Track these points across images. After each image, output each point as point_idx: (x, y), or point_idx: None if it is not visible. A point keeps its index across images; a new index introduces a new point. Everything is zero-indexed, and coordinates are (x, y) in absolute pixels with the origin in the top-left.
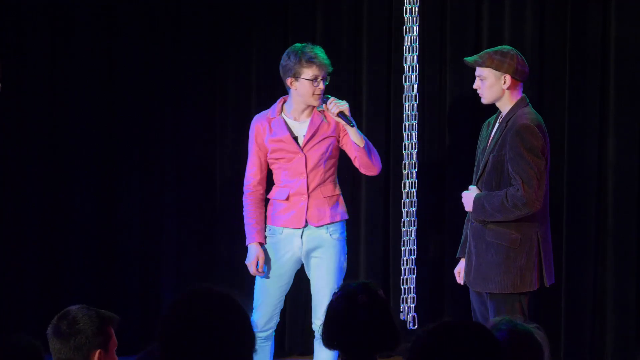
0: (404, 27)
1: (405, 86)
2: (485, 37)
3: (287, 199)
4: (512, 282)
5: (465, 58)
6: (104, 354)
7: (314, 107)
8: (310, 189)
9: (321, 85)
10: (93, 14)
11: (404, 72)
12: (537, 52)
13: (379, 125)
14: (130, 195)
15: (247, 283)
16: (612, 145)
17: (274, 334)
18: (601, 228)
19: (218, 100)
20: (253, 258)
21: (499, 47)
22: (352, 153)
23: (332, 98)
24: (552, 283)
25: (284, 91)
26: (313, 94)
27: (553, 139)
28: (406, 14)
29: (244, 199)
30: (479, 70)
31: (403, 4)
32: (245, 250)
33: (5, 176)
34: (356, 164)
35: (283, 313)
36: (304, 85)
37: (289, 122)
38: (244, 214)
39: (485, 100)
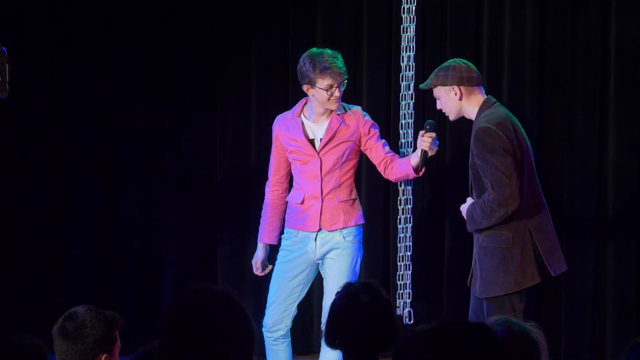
0: (402, 27)
1: (402, 85)
2: (485, 37)
3: (302, 202)
4: (514, 281)
5: (420, 85)
6: (109, 358)
7: (332, 110)
8: (324, 193)
9: (337, 93)
10: (92, 15)
11: (401, 72)
12: (537, 52)
13: (380, 125)
14: (130, 195)
15: (247, 282)
16: (612, 144)
17: (289, 336)
18: (601, 227)
19: (218, 99)
20: (256, 257)
21: (443, 64)
22: (377, 160)
23: (433, 134)
24: (564, 270)
25: (283, 91)
26: (329, 100)
27: (553, 138)
28: (404, 13)
29: (265, 196)
30: (434, 92)
31: (401, 4)
32: (245, 248)
33: (6, 176)
34: (385, 172)
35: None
36: (319, 93)
37: (308, 124)
38: (262, 211)
39: (450, 116)
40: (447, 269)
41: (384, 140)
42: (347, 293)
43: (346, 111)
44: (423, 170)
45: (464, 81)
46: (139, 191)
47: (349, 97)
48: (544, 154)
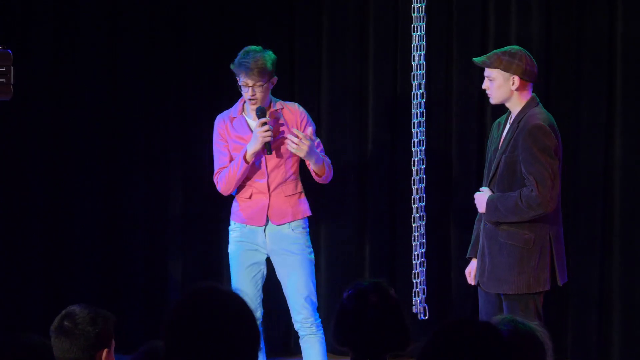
0: (412, 26)
1: (413, 84)
2: (491, 36)
3: (250, 197)
4: (526, 283)
5: (474, 59)
6: (109, 352)
7: (269, 107)
8: (271, 189)
9: (249, 93)
10: (96, 15)
11: (412, 71)
12: (543, 50)
13: (385, 124)
14: (134, 193)
15: None
16: (618, 144)
17: (261, 327)
18: (608, 227)
19: (222, 98)
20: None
21: (508, 48)
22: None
23: (263, 119)
24: (565, 282)
25: (289, 90)
26: (248, 99)
27: None
28: (414, 12)
29: (218, 183)
30: (488, 71)
31: (411, 3)
32: None
33: (10, 173)
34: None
35: (286, 313)
36: (241, 88)
37: (250, 122)
38: (224, 176)
39: (493, 100)
40: (454, 266)
41: (318, 140)
42: (355, 292)
43: (283, 107)
44: (270, 151)
45: (525, 74)
46: (144, 190)
47: (355, 95)
48: None
